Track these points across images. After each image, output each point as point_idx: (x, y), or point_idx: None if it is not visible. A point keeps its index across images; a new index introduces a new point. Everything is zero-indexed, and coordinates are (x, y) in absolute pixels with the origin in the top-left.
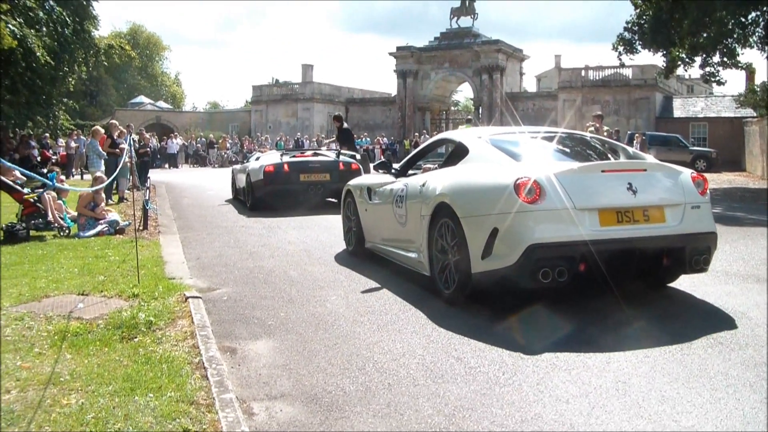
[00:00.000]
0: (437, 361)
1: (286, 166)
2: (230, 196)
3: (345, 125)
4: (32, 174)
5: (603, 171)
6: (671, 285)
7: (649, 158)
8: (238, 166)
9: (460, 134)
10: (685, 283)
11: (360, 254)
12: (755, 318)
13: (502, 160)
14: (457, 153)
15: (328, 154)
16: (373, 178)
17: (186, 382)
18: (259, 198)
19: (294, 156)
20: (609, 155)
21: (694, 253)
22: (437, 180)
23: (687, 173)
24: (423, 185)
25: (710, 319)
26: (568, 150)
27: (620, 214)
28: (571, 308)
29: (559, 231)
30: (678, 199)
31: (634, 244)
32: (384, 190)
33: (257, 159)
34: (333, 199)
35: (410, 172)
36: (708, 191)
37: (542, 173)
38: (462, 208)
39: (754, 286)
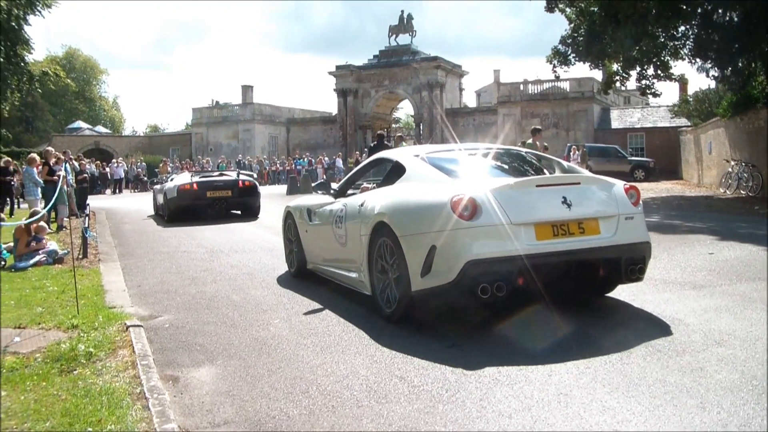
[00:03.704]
0: (380, 381)
1: (195, 185)
2: (171, 219)
3: (375, 142)
4: None
5: (537, 186)
6: (610, 294)
7: (584, 171)
8: (157, 187)
9: (397, 153)
10: (624, 292)
11: (302, 276)
12: (692, 324)
13: (439, 177)
14: (394, 172)
15: (231, 174)
16: (312, 199)
17: (127, 414)
18: (173, 211)
19: (202, 176)
20: (544, 170)
21: (630, 263)
22: (375, 199)
23: (620, 185)
24: (362, 205)
25: (649, 328)
26: (504, 166)
27: (556, 227)
28: (511, 322)
29: (496, 246)
30: (612, 210)
31: (570, 257)
32: (323, 211)
33: (172, 180)
34: (236, 211)
35: (349, 192)
36: (641, 202)
37: (478, 190)
38: (400, 227)
39: (691, 292)
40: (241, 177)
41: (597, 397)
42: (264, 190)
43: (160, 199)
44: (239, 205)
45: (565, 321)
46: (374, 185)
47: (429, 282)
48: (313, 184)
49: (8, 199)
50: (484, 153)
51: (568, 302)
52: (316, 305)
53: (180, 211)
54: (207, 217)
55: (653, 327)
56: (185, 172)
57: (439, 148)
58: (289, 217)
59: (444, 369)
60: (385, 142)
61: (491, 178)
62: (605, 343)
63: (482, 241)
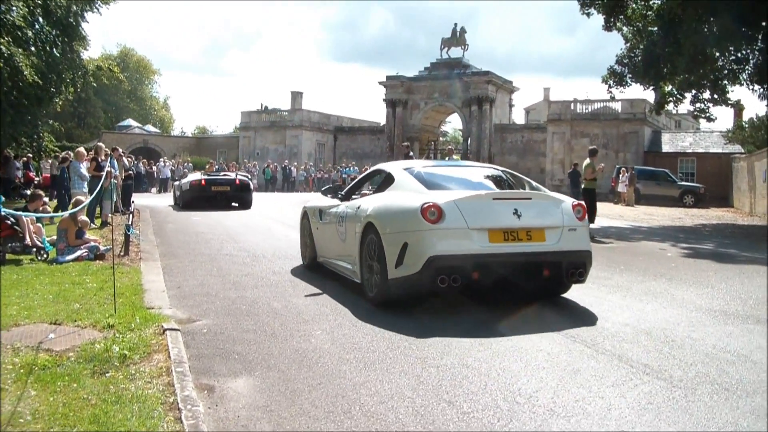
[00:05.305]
0: (428, 404)
1: (203, 181)
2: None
3: (410, 153)
4: None
5: (494, 198)
6: (670, 322)
7: (544, 190)
8: (176, 183)
9: (390, 166)
10: (683, 321)
11: (340, 282)
12: (759, 362)
13: (419, 188)
14: (386, 181)
15: (231, 174)
16: (324, 201)
17: (158, 426)
18: (187, 201)
19: (210, 175)
20: (514, 188)
21: (570, 266)
22: (368, 203)
23: (568, 202)
24: (358, 208)
25: (713, 363)
26: (477, 182)
27: (506, 233)
28: (563, 346)
29: (455, 246)
30: (557, 222)
31: (517, 258)
32: (331, 212)
33: (187, 178)
34: (234, 204)
35: (353, 196)
36: (586, 217)
37: (444, 199)
38: (382, 227)
39: (755, 327)
40: (238, 177)
41: None
42: (309, 197)
43: (177, 192)
44: (236, 198)
45: (622, 351)
46: (372, 191)
47: (401, 272)
48: (323, 189)
49: (64, 192)
50: (466, 170)
51: (622, 335)
52: (360, 319)
53: (191, 200)
54: (210, 206)
55: (717, 363)
56: (194, 172)
57: (429, 163)
58: (305, 217)
59: (495, 395)
60: (410, 154)
61: (461, 190)
62: (666, 378)
63: (444, 240)
